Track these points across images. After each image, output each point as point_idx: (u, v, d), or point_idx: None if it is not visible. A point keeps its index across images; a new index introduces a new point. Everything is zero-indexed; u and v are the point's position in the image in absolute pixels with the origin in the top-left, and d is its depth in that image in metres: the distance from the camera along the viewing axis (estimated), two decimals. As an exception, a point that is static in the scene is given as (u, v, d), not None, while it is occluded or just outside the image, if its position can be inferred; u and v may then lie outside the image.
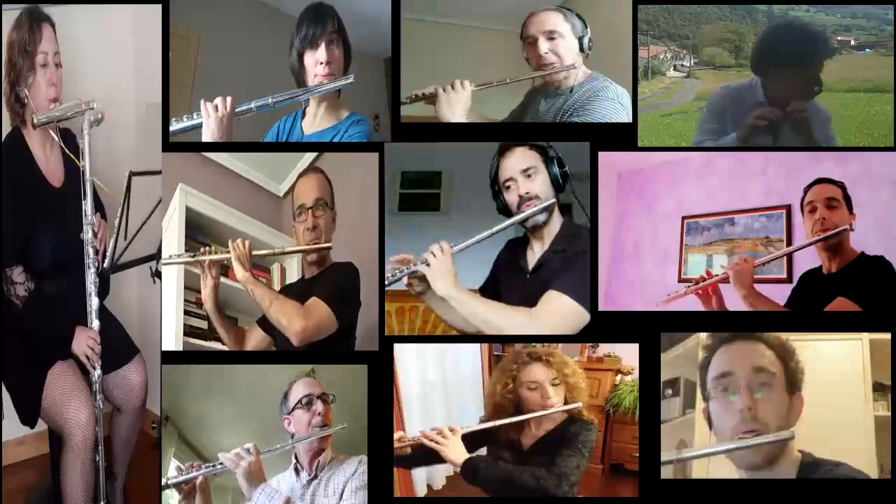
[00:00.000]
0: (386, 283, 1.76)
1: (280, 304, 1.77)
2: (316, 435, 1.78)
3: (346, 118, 1.90)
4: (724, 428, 1.38)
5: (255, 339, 2.01)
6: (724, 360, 1.42)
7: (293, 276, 2.49)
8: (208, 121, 1.74)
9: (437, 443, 1.69)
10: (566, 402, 1.77)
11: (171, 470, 1.76)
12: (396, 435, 1.83)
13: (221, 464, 1.72)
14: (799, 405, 1.40)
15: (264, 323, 2.01)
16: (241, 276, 1.80)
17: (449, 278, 1.66)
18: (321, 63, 1.81)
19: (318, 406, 1.80)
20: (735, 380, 1.38)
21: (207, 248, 1.89)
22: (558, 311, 1.64)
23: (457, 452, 1.68)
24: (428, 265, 1.68)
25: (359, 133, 1.86)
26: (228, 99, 1.75)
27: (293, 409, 1.81)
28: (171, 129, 1.79)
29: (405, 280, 1.74)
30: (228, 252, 1.83)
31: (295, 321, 1.73)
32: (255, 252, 1.85)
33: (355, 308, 1.89)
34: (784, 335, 1.45)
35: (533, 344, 1.94)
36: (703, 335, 1.48)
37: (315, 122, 1.92)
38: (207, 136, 1.75)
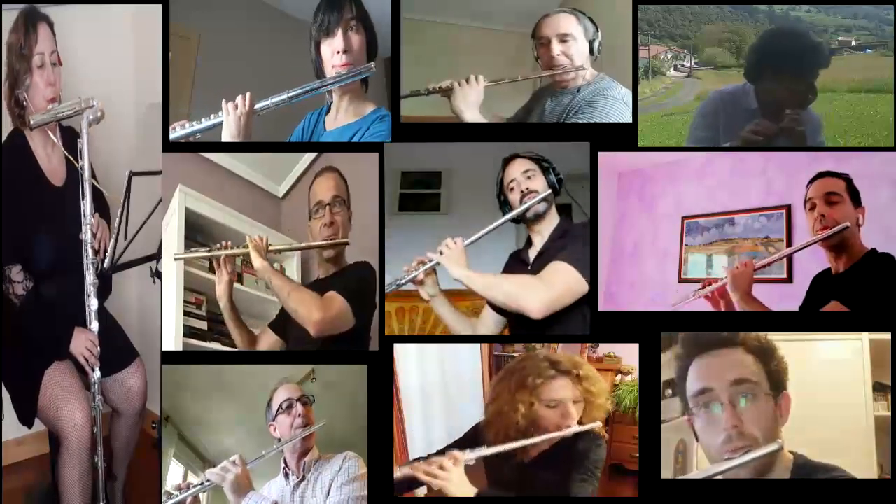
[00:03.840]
0: (403, 281, 1.84)
1: (298, 294, 1.79)
2: (298, 436, 1.80)
3: (371, 113, 1.85)
4: (711, 445, 1.33)
5: (267, 343, 2.02)
6: (701, 374, 1.35)
7: (292, 276, 2.49)
8: (228, 119, 1.72)
9: (436, 478, 1.54)
10: (581, 420, 1.66)
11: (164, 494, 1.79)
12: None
13: (209, 481, 1.74)
14: (786, 404, 1.35)
15: (276, 326, 2.02)
16: (258, 265, 1.82)
17: (462, 263, 1.79)
18: (338, 52, 1.75)
19: (298, 408, 1.83)
20: (715, 395, 1.32)
21: (224, 244, 1.91)
22: (563, 277, 1.74)
23: (461, 489, 1.55)
24: (441, 254, 1.80)
25: (383, 131, 1.82)
26: (248, 95, 1.72)
27: (276, 416, 1.84)
28: (172, 136, 1.79)
29: (420, 276, 1.83)
30: (244, 248, 1.85)
31: (313, 311, 1.74)
32: (271, 247, 1.86)
33: (371, 309, 1.89)
34: (764, 333, 1.39)
35: (534, 344, 1.94)
36: (676, 344, 1.42)
37: (338, 117, 1.89)
38: (227, 135, 1.75)
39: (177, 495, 1.74)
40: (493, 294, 1.79)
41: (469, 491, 1.56)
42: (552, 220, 1.91)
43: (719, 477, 1.33)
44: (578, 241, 1.82)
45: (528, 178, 1.88)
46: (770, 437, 1.32)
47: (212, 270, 2.29)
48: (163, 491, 1.79)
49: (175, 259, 2.03)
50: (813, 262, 1.93)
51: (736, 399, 1.31)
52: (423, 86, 1.86)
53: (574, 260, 1.76)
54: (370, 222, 1.96)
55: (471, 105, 1.84)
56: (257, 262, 1.82)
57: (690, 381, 1.36)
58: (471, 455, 1.59)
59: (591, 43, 1.92)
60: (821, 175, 1.79)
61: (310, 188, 2.01)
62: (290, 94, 1.74)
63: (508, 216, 1.87)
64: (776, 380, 1.34)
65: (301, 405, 1.83)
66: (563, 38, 1.90)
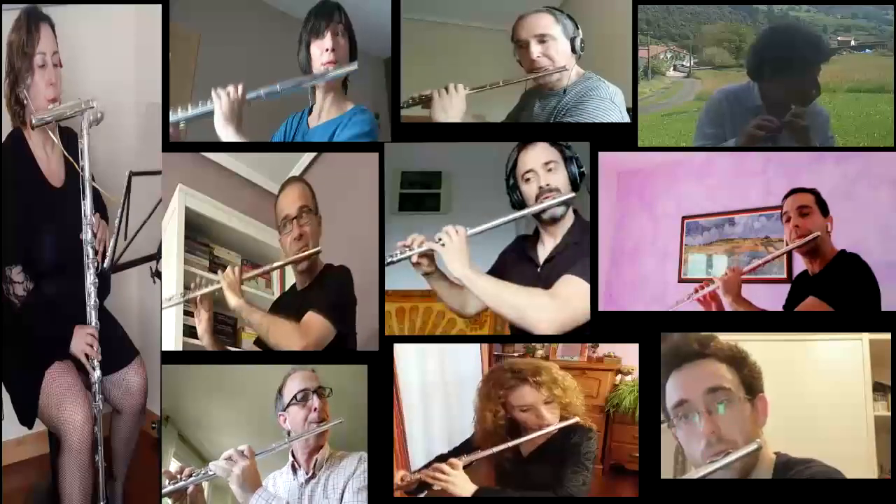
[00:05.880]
0: (395, 258, 1.75)
1: (276, 328, 1.77)
2: (312, 432, 1.73)
3: (351, 109, 1.90)
4: (694, 452, 1.37)
5: None
6: (677, 387, 1.39)
7: (293, 278, 2.49)
8: (220, 103, 1.75)
9: (441, 481, 1.65)
10: (562, 417, 1.75)
11: (164, 479, 1.72)
12: (398, 474, 1.79)
13: (212, 472, 1.66)
14: (763, 407, 1.38)
15: (261, 343, 2.01)
16: (233, 304, 1.80)
17: (464, 259, 1.66)
18: (326, 50, 1.82)
19: (314, 401, 1.75)
20: (692, 406, 1.36)
21: (197, 283, 1.90)
22: (576, 293, 1.64)
23: (464, 487, 1.65)
24: (443, 245, 1.68)
25: (363, 121, 1.85)
26: (240, 86, 1.77)
27: (288, 406, 1.76)
28: (172, 118, 1.80)
29: (414, 258, 1.73)
30: (218, 282, 1.83)
31: (294, 341, 1.74)
32: (245, 275, 1.86)
33: (352, 309, 1.90)
34: (734, 340, 1.42)
35: (534, 344, 1.94)
36: None
37: (321, 115, 1.92)
38: (219, 119, 1.75)
39: (178, 479, 1.66)
40: (497, 305, 1.65)
41: (471, 488, 1.63)
42: (568, 219, 1.78)
43: (717, 477, 1.34)
44: (584, 251, 1.73)
45: (549, 170, 1.72)
46: (749, 439, 1.34)
47: (212, 269, 2.30)
48: (163, 471, 1.72)
49: (164, 308, 2.01)
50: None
51: (713, 406, 1.35)
52: (423, 87, 1.85)
53: (584, 273, 1.66)
54: (352, 221, 1.96)
55: (451, 115, 1.80)
56: (232, 300, 1.79)
57: (668, 394, 1.40)
58: (466, 459, 1.68)
59: (572, 41, 1.85)
60: (793, 191, 1.93)
61: (275, 205, 1.99)
62: (282, 86, 1.81)
63: (521, 213, 1.75)
64: (750, 385, 1.38)
65: (317, 398, 1.75)
66: (542, 39, 1.84)
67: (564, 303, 1.63)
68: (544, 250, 1.80)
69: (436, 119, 1.82)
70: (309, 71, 1.86)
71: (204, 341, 1.90)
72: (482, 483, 1.71)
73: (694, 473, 1.35)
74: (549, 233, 1.79)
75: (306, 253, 1.89)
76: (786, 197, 1.94)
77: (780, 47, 1.97)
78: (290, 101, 1.88)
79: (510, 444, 1.72)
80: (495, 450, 1.71)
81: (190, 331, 2.18)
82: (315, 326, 1.77)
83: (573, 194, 1.72)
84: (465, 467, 1.68)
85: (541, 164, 1.73)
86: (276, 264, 1.98)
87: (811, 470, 1.36)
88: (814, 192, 1.91)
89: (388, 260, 1.75)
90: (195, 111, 1.78)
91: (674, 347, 1.44)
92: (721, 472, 1.33)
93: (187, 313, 2.20)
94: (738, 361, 1.39)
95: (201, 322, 1.89)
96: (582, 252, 1.72)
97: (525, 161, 1.76)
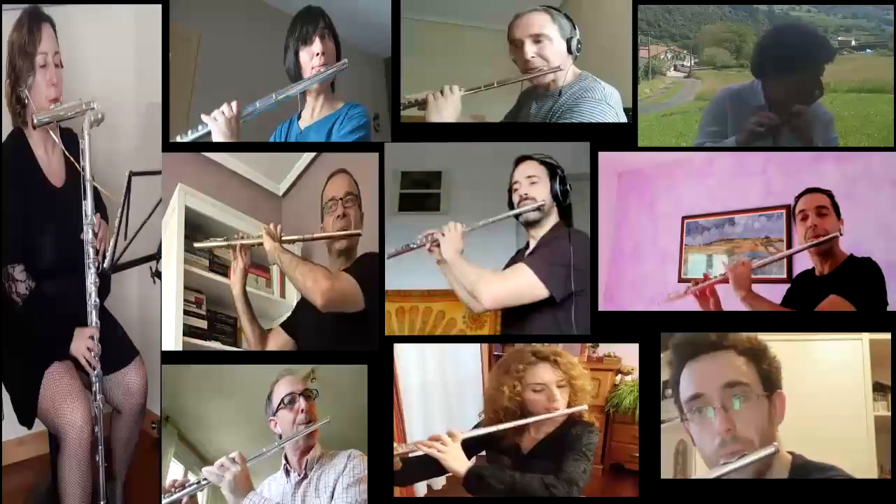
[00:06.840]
0: (412, 245, 1.89)
1: (307, 267, 1.85)
2: (301, 433, 1.76)
3: (344, 105, 1.94)
4: (707, 449, 1.32)
5: (277, 342, 2.03)
6: (693, 379, 1.34)
7: (293, 290, 2.49)
8: (216, 125, 1.79)
9: (437, 451, 1.67)
10: (569, 405, 1.76)
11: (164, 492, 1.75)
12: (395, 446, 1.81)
13: (206, 479, 1.70)
14: (781, 404, 1.33)
15: (288, 326, 2.03)
16: (269, 246, 1.89)
17: (455, 247, 1.84)
18: (317, 55, 1.88)
19: (301, 403, 1.79)
20: (707, 400, 1.31)
21: (240, 234, 2.00)
22: (518, 277, 1.80)
23: (458, 461, 1.66)
24: (443, 235, 1.86)
25: (359, 114, 1.91)
26: (234, 103, 1.80)
27: (277, 410, 1.80)
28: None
29: (428, 246, 1.88)
30: (259, 237, 1.91)
31: (321, 281, 1.80)
32: (284, 237, 1.92)
33: (376, 303, 1.92)
34: (755, 333, 1.38)
35: (534, 345, 1.94)
36: (668, 350, 1.41)
37: (313, 115, 1.95)
38: (219, 139, 1.81)
39: (172, 493, 1.69)
40: (462, 281, 1.84)
41: (465, 463, 1.67)
42: (546, 225, 1.90)
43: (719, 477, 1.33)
44: (555, 248, 1.83)
45: (532, 183, 1.88)
46: (765, 438, 1.30)
47: (212, 269, 2.30)
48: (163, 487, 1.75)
49: (196, 248, 2.07)
50: (808, 264, 1.96)
51: (728, 402, 1.30)
52: (422, 86, 1.86)
53: (535, 264, 1.80)
54: (376, 220, 1.97)
55: (445, 116, 1.82)
56: (268, 243, 1.88)
57: (683, 386, 1.36)
58: (468, 434, 1.72)
59: (568, 41, 1.85)
60: (809, 190, 1.93)
61: (322, 190, 2.05)
62: (278, 95, 1.87)
63: (499, 217, 1.90)
64: (769, 380, 1.33)
65: (304, 400, 1.79)
66: (537, 39, 1.84)
67: (507, 282, 1.82)
68: (528, 252, 1.92)
69: (430, 121, 1.84)
70: (298, 76, 1.90)
71: (235, 291, 1.99)
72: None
73: (709, 474, 1.31)
74: (532, 236, 1.93)
75: (347, 232, 1.96)
76: (800, 196, 1.93)
77: (784, 46, 1.98)
78: (279, 108, 1.90)
79: (520, 422, 1.74)
80: (502, 427, 1.74)
81: (190, 329, 2.19)
82: (346, 280, 1.84)
83: (542, 202, 1.87)
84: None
85: (525, 176, 1.89)
86: (316, 235, 2.00)
87: (830, 475, 1.33)
88: (829, 193, 1.91)
89: (406, 245, 1.88)
90: (194, 135, 1.83)
91: (690, 337, 1.40)
92: (734, 473, 1.29)
93: (187, 313, 2.20)
94: (758, 355, 1.34)
95: (236, 271, 1.97)
96: (546, 250, 1.86)
97: (515, 174, 1.93)
